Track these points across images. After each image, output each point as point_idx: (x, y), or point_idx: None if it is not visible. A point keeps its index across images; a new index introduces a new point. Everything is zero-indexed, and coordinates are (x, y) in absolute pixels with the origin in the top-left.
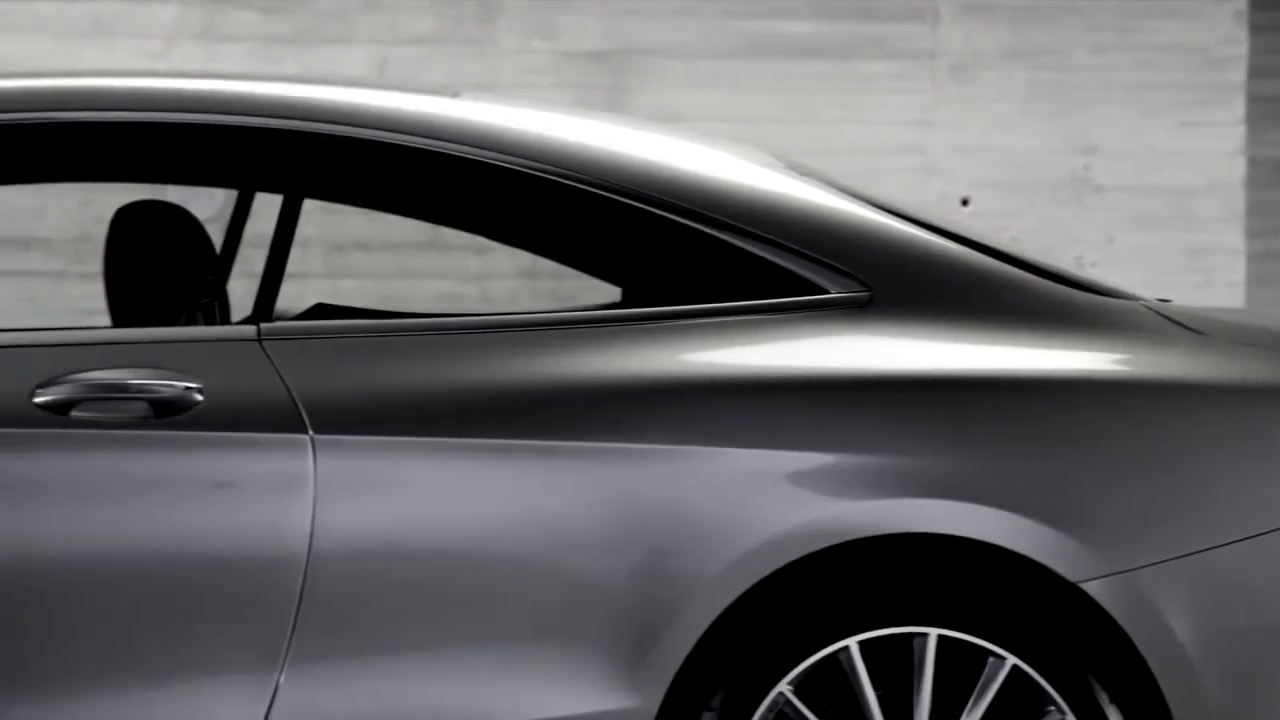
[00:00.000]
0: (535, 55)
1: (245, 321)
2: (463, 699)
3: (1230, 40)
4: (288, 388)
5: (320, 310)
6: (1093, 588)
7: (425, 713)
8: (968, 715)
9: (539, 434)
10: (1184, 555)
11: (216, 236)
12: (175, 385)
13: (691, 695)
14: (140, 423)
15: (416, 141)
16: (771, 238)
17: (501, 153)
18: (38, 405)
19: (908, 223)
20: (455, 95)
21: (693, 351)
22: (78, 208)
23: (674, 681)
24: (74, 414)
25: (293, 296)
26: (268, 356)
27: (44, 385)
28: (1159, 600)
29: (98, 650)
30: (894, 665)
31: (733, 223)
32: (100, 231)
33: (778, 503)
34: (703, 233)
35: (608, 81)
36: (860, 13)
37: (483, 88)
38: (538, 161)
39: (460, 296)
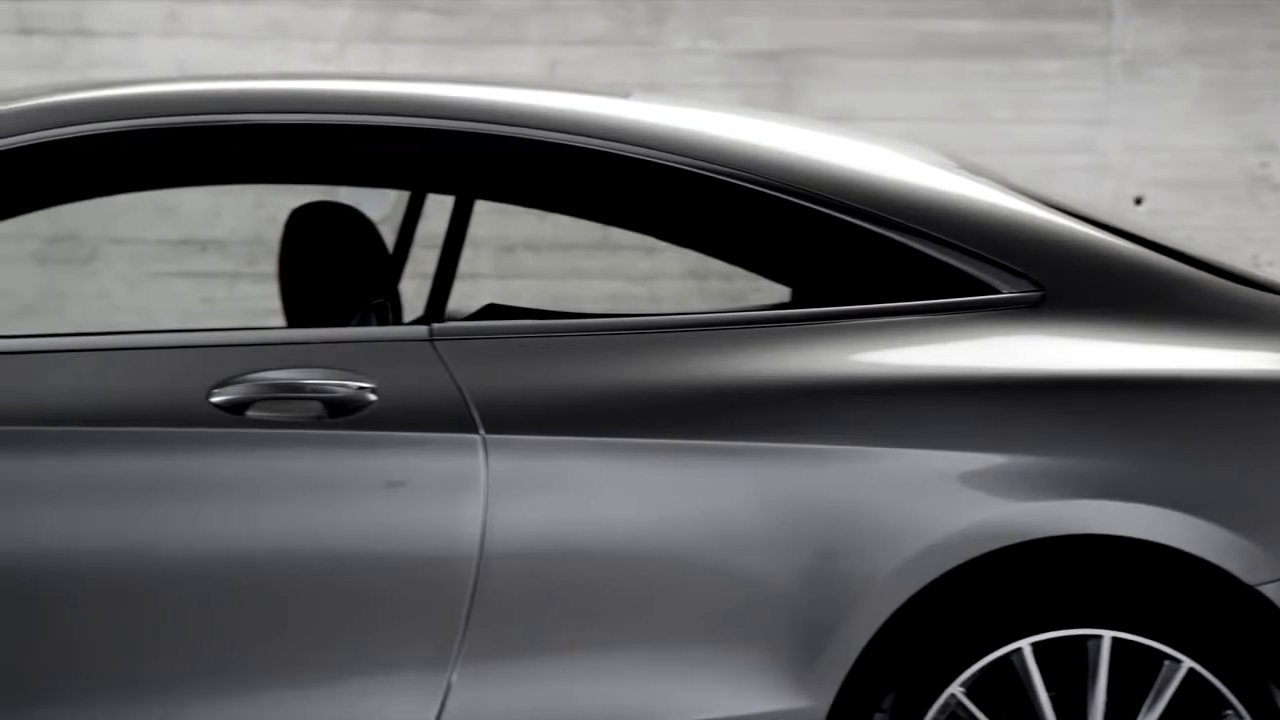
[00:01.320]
0: (704, 55)
1: (417, 322)
2: (633, 699)
3: None
4: (459, 387)
5: (491, 310)
6: (1271, 590)
7: (596, 712)
8: (1143, 719)
9: (709, 434)
10: None
11: (388, 237)
12: (349, 385)
13: (862, 696)
14: (314, 422)
15: (587, 142)
16: (943, 237)
17: (672, 153)
18: (215, 405)
19: (1080, 222)
20: (625, 96)
21: (863, 351)
22: (251, 209)
23: (845, 682)
24: (249, 413)
25: (463, 297)
26: (439, 356)
27: (220, 385)
28: None
29: (272, 648)
30: (1067, 667)
31: (904, 222)
32: (273, 233)
33: (950, 504)
34: (873, 232)
35: (777, 81)
36: (1032, 11)
37: (652, 88)
38: (708, 162)
39: (629, 297)
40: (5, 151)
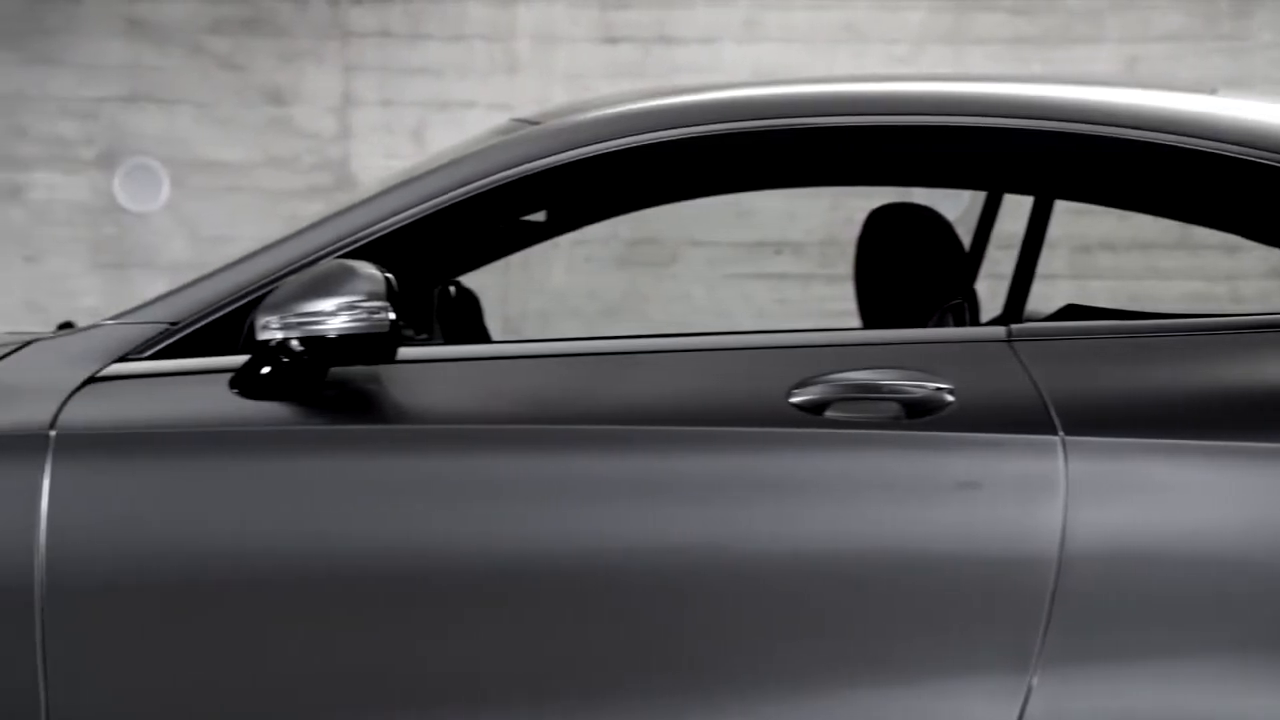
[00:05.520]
0: None
1: (994, 322)
2: (1217, 707)
3: None
4: (1038, 388)
5: (1071, 311)
6: None
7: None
8: None
9: None
10: None
11: (962, 237)
12: (926, 386)
13: None
14: (891, 423)
15: (1173, 140)
16: None
17: (1264, 150)
18: (794, 405)
19: None
20: (1211, 92)
21: None
22: (826, 211)
23: None
24: (828, 414)
25: (1037, 298)
26: (1017, 357)
27: (800, 385)
28: None
29: (849, 647)
30: None
31: None
32: (847, 234)
33: None
34: None
35: None
36: None
37: (1237, 84)
38: None
39: (1209, 296)
40: (596, 157)
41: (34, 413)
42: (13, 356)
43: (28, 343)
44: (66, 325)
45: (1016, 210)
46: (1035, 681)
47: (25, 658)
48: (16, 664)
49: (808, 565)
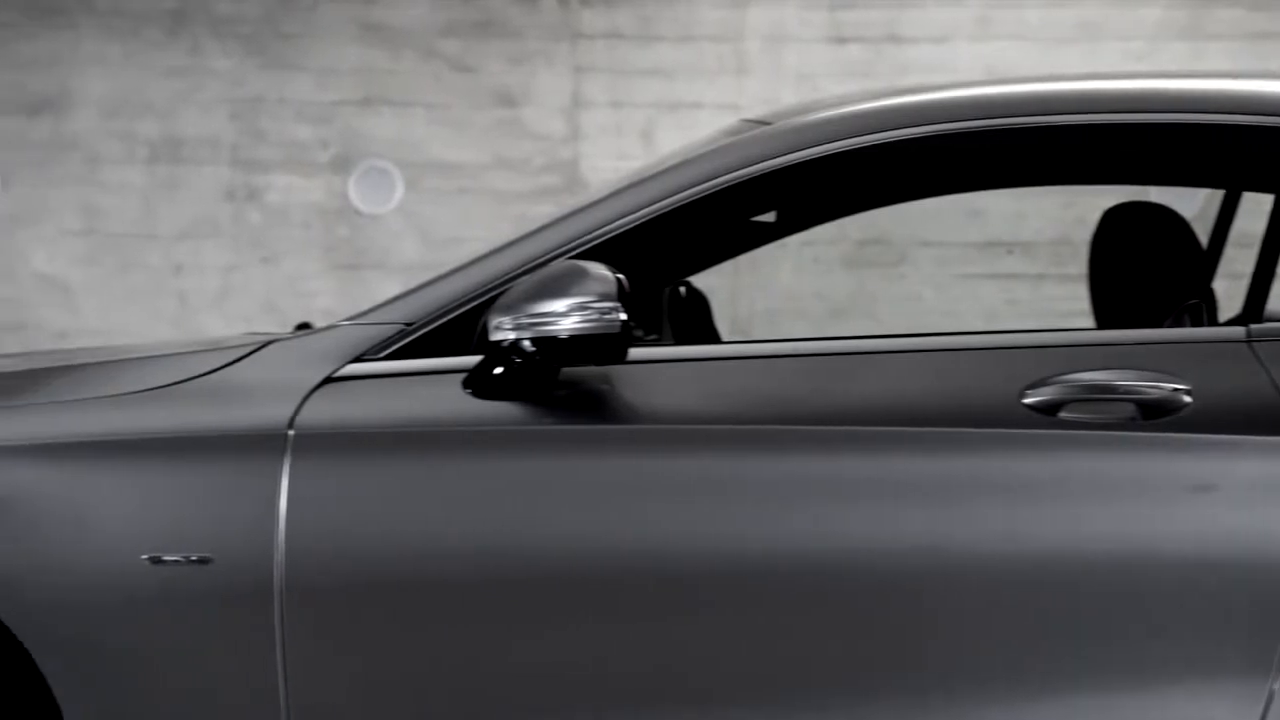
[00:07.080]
0: None
1: (1233, 322)
2: None
3: None
4: (1278, 389)
5: None
6: None
7: None
8: None
9: None
10: None
11: (1199, 235)
12: (1163, 387)
13: None
14: (1127, 424)
15: None
16: None
17: None
18: (1027, 406)
19: None
20: None
21: None
22: (1058, 210)
23: None
24: (1062, 415)
25: (1275, 297)
26: (1257, 358)
27: (1033, 386)
28: None
29: (1088, 649)
30: None
31: None
32: (1080, 234)
33: None
34: None
35: None
36: None
37: None
38: None
39: None
40: (826, 157)
41: (273, 412)
42: (252, 357)
43: (267, 343)
44: (304, 326)
45: (1255, 208)
46: (1277, 687)
47: (266, 654)
48: (258, 661)
49: (1042, 567)
